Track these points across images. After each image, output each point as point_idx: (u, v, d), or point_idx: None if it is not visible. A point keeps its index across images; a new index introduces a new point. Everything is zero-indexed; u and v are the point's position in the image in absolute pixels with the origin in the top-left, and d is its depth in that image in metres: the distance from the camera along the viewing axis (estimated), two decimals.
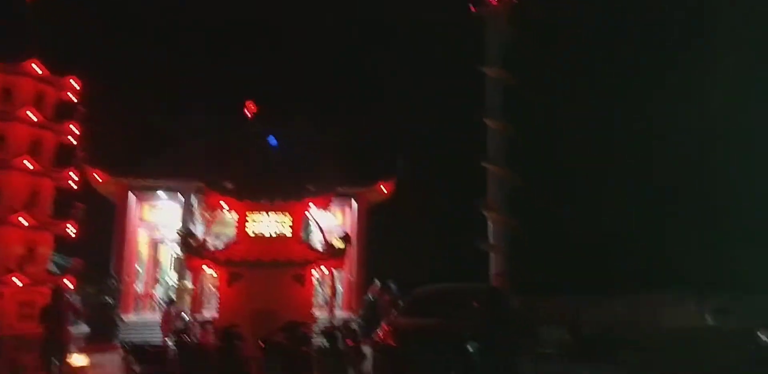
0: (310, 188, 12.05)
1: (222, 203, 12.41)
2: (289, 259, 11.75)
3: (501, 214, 16.64)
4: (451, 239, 19.47)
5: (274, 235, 12.38)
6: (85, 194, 21.54)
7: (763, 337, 8.59)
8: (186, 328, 10.88)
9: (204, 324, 11.14)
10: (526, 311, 15.47)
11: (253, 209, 12.41)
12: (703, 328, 13.49)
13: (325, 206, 12.76)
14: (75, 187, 13.61)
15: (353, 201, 23.53)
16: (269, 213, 12.49)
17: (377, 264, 22.37)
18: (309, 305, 12.12)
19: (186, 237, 11.25)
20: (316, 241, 21.77)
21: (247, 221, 12.39)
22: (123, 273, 21.33)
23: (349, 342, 11.84)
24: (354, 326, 12.52)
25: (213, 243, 12.22)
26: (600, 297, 14.61)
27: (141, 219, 23.34)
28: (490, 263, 16.88)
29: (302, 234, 21.59)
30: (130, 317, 19.96)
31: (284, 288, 11.94)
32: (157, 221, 23.40)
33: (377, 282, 19.14)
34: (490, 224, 17.01)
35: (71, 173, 13.12)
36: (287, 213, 12.54)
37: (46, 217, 12.68)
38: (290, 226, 12.51)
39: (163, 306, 19.03)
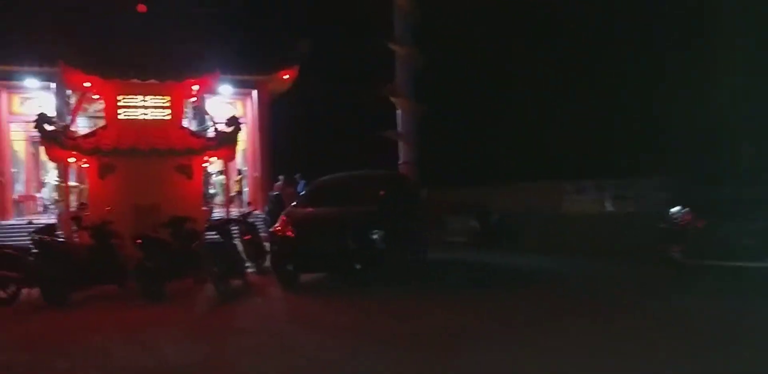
0: (190, 67, 10.40)
1: (87, 84, 10.62)
2: (168, 147, 10.37)
3: (408, 99, 15.61)
4: (359, 129, 18.41)
5: (149, 120, 10.84)
6: None
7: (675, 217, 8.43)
8: (50, 227, 9.49)
9: (74, 219, 9.73)
10: (433, 200, 15.11)
11: (124, 91, 10.72)
12: (603, 214, 13.59)
13: (210, 88, 11.23)
14: None
15: (254, 92, 21.82)
16: (145, 97, 10.86)
17: (283, 158, 21.25)
18: (198, 199, 10.97)
19: (41, 123, 9.52)
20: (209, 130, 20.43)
21: (119, 104, 10.72)
22: None
23: (247, 237, 10.97)
24: (252, 220, 11.58)
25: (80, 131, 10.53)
26: (505, 187, 14.34)
27: (11, 113, 20.73)
28: (399, 153, 16.09)
29: (189, 122, 20.13)
30: (9, 221, 18.15)
31: (167, 180, 10.68)
32: (33, 114, 20.83)
33: (280, 178, 18.25)
34: (398, 111, 16.00)
35: None
36: (166, 96, 10.96)
37: None
38: (169, 110, 10.98)
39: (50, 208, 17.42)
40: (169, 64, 10.42)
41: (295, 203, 10.19)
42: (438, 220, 15.02)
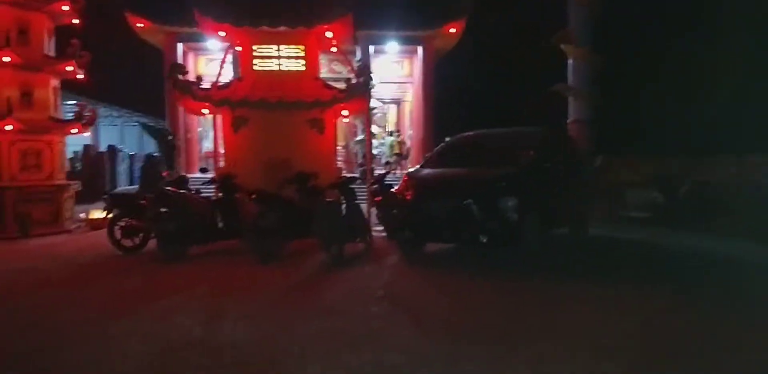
0: (320, 12, 9.54)
1: (222, 34, 10.29)
2: (297, 98, 9.68)
3: (583, 48, 13.36)
4: (528, 85, 16.45)
5: (284, 71, 10.26)
6: (129, 42, 20.26)
7: None
8: (180, 179, 9.43)
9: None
10: (611, 167, 12.93)
11: (258, 41, 10.23)
12: None
13: (345, 34, 10.31)
14: (76, 22, 11.93)
15: (419, 48, 20.77)
16: (279, 46, 10.28)
17: (447, 119, 20.06)
18: (330, 155, 10.24)
19: (173, 73, 9.36)
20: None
21: (254, 55, 10.27)
22: (180, 130, 20.55)
23: (378, 199, 10.11)
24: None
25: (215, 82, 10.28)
26: (700, 158, 11.65)
27: (197, 74, 22.08)
28: (569, 110, 13.98)
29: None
30: (194, 174, 19.42)
31: (299, 134, 10.06)
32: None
33: (447, 140, 17.10)
34: (570, 62, 13.83)
35: (63, 7, 11.35)
36: (300, 45, 10.27)
37: (39, 56, 11.21)
38: (304, 60, 10.30)
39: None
40: (299, 11, 9.65)
41: (422, 162, 9.02)
42: (615, 191, 12.86)
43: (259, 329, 4.78)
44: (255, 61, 10.24)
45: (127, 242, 8.72)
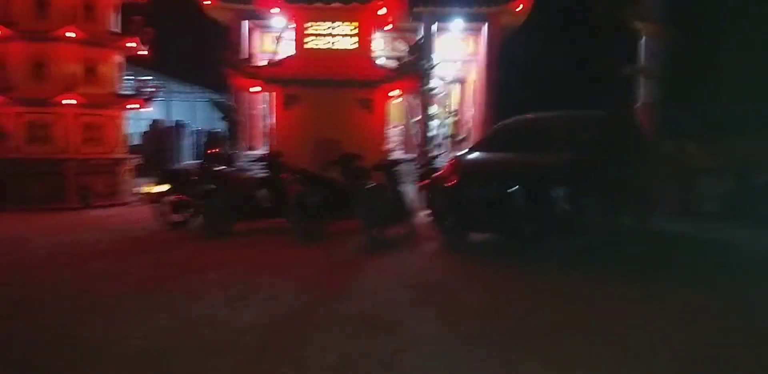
0: None
1: (275, 10, 10.20)
2: (347, 77, 9.50)
3: (656, 23, 12.48)
4: (597, 65, 15.59)
5: (337, 49, 10.09)
6: (199, 19, 20.53)
7: None
8: (227, 157, 9.53)
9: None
10: (685, 155, 12.12)
11: (312, 17, 10.08)
12: None
13: (399, 11, 9.99)
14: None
15: (484, 26, 20.07)
16: (333, 23, 10.09)
17: (512, 100, 19.42)
18: (379, 136, 10.04)
19: (228, 49, 9.37)
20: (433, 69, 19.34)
21: (306, 32, 10.14)
22: (244, 107, 20.83)
23: (425, 182, 9.86)
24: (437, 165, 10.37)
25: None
26: None
27: (263, 52, 22.21)
28: (640, 92, 13.17)
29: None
30: (256, 151, 19.75)
31: (349, 114, 9.92)
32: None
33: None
34: (641, 40, 12.97)
35: None
36: (353, 22, 10.05)
37: (103, 32, 11.48)
38: (357, 38, 10.08)
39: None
40: None
41: (471, 146, 8.69)
42: (687, 180, 12.09)
43: (284, 310, 4.72)
44: (307, 38, 10.12)
45: (176, 218, 8.88)
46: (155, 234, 8.49)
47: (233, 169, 9.03)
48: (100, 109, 11.47)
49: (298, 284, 5.72)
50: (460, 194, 7.40)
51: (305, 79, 9.57)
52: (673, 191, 11.71)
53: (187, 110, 32.45)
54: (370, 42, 10.17)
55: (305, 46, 10.15)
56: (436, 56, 19.52)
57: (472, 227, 7.69)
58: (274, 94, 10.27)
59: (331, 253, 7.30)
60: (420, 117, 19.64)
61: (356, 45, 10.09)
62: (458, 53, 21.40)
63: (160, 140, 19.37)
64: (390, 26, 10.85)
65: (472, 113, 21.95)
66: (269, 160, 9.10)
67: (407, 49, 9.48)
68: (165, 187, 8.92)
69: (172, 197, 8.85)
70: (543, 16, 18.33)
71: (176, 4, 19.40)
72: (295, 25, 10.21)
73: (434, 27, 19.62)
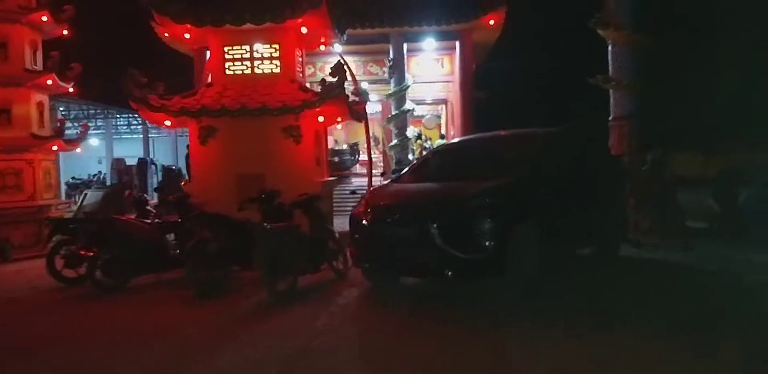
0: (288, 4, 8.29)
1: (187, 36, 9.26)
2: (267, 104, 8.46)
3: (624, 31, 11.39)
4: (569, 77, 14.53)
5: (258, 74, 9.12)
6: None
7: None
8: (137, 200, 8.47)
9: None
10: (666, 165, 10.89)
11: (228, 41, 9.12)
12: None
13: (324, 28, 9.00)
14: (65, 33, 11.36)
15: (457, 44, 19.10)
16: (252, 45, 9.12)
17: (488, 120, 18.36)
18: (308, 168, 8.95)
19: (127, 81, 8.39)
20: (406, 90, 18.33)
21: (225, 57, 9.18)
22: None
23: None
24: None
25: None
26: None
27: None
28: (611, 106, 12.00)
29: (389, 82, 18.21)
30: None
31: (273, 145, 8.85)
32: None
33: None
34: (610, 48, 11.87)
35: (43, 17, 10.73)
36: (273, 43, 9.07)
37: (18, 71, 10.61)
38: (278, 60, 9.09)
39: None
40: (266, 4, 8.44)
41: (396, 175, 7.59)
42: (670, 194, 10.85)
43: None
44: (226, 64, 9.14)
45: (71, 273, 7.78)
46: (40, 294, 7.40)
47: (142, 213, 7.96)
48: (15, 153, 10.52)
49: (164, 357, 4.59)
50: (371, 232, 6.27)
51: (222, 109, 8.53)
52: (651, 209, 10.50)
53: (169, 146, 31.81)
54: (294, 65, 9.15)
55: (226, 72, 9.16)
56: (409, 77, 18.59)
57: (387, 270, 6.51)
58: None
59: (225, 312, 6.15)
60: (396, 141, 18.63)
61: (278, 69, 9.08)
62: (434, 73, 20.41)
63: (120, 179, 18.47)
64: (323, 47, 9.82)
65: (452, 134, 20.88)
66: (176, 202, 8.02)
67: (330, 70, 8.38)
68: (56, 238, 7.89)
69: (64, 250, 7.76)
70: (518, 30, 17.35)
71: (136, 36, 18.72)
72: (209, 51, 9.24)
73: (404, 47, 18.70)
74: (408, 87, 18.53)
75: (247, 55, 9.12)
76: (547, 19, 17.66)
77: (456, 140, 7.96)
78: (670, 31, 11.24)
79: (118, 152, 29.20)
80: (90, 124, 28.60)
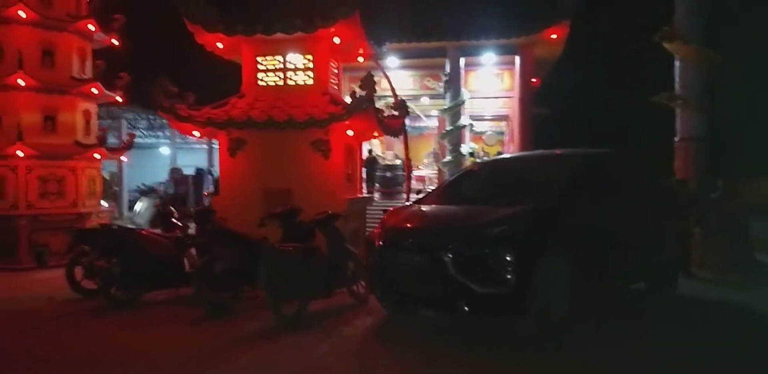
0: (319, 13, 7.95)
1: (220, 45, 9.07)
2: (296, 117, 8.11)
3: (693, 46, 10.44)
4: (635, 95, 13.53)
5: (290, 85, 8.81)
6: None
7: None
8: (163, 213, 8.25)
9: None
10: (733, 196, 9.93)
11: (262, 52, 8.87)
12: None
13: (357, 38, 8.61)
14: (116, 43, 11.51)
15: (516, 59, 18.35)
16: (286, 56, 8.84)
17: (548, 138, 17.51)
18: (337, 183, 8.53)
19: (156, 90, 8.26)
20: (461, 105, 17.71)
21: (257, 68, 8.94)
22: None
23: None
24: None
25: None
26: None
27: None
28: (677, 125, 10.99)
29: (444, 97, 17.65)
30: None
31: (301, 159, 8.49)
32: None
33: None
34: (677, 63, 10.92)
35: (89, 26, 10.87)
36: (307, 54, 8.75)
37: (64, 78, 10.77)
38: (311, 71, 8.76)
39: None
40: (299, 13, 8.14)
41: (422, 195, 7.01)
42: (740, 227, 9.84)
43: None
44: (259, 74, 8.89)
45: (90, 284, 7.62)
46: (50, 306, 7.25)
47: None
48: (58, 160, 10.63)
49: None
50: (382, 258, 5.74)
51: (248, 120, 8.25)
52: (721, 242, 9.55)
53: None
54: (328, 77, 8.78)
55: (258, 83, 8.91)
56: (465, 92, 17.99)
57: (395, 300, 5.92)
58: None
59: (219, 335, 5.75)
60: (449, 158, 18.00)
61: (311, 80, 8.74)
62: (493, 89, 19.70)
63: (177, 189, 18.69)
64: (361, 59, 9.44)
65: (512, 151, 20.04)
66: (199, 216, 7.74)
67: (360, 83, 7.94)
68: (81, 248, 7.76)
69: (84, 261, 7.62)
70: (581, 47, 16.45)
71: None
72: (243, 60, 9.02)
73: (461, 61, 18.13)
74: (463, 102, 17.92)
75: (280, 66, 8.85)
76: (615, 33, 16.68)
77: (492, 158, 7.27)
78: (744, 47, 10.23)
79: (184, 161, 29.77)
80: (159, 133, 29.66)
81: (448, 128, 17.85)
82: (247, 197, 8.47)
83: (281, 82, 8.85)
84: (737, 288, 7.88)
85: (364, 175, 17.28)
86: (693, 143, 10.64)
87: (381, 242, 5.82)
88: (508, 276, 5.02)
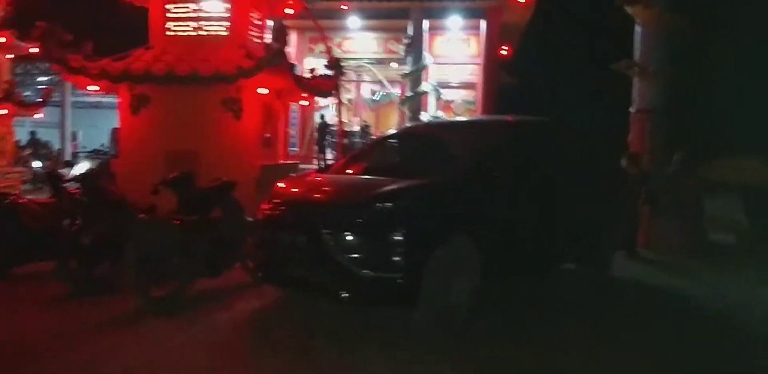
0: None
1: None
2: (194, 69, 7.19)
3: (656, 9, 9.59)
4: (598, 65, 12.70)
5: (203, 36, 7.86)
6: None
7: None
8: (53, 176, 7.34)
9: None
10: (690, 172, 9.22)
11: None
12: None
13: None
14: None
15: (482, 23, 17.36)
16: (200, 3, 7.86)
17: (513, 104, 16.74)
18: (249, 147, 7.67)
19: (48, 37, 7.24)
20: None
21: (167, 16, 7.95)
22: None
23: None
24: None
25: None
26: None
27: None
28: (634, 95, 10.22)
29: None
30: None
31: (209, 119, 7.62)
32: None
33: None
34: (637, 29, 10.09)
35: None
36: (225, 2, 7.78)
37: None
38: (227, 21, 7.80)
39: None
40: None
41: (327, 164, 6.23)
42: (694, 204, 9.20)
43: None
44: (168, 23, 7.91)
45: None
46: None
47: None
48: None
49: None
50: (262, 234, 4.98)
51: (150, 74, 7.33)
52: (671, 221, 8.94)
53: None
54: (247, 29, 7.83)
55: (166, 33, 7.94)
56: (427, 57, 17.04)
57: (276, 282, 5.17)
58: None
59: (74, 319, 4.97)
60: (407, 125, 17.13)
61: (226, 31, 7.79)
62: (460, 54, 18.72)
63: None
64: (291, 11, 8.48)
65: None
66: (84, 181, 6.84)
67: (273, 33, 7.02)
68: None
69: None
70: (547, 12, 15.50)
71: None
72: (150, 6, 8.02)
73: (425, 24, 17.12)
74: (425, 67, 17.02)
75: (193, 15, 7.86)
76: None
77: (413, 125, 6.51)
78: (711, 14, 9.39)
79: None
80: None
81: (408, 93, 16.97)
82: (149, 161, 7.60)
83: (193, 33, 7.89)
84: (678, 272, 7.27)
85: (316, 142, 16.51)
86: (649, 114, 9.90)
87: (264, 217, 5.04)
88: (396, 259, 4.28)
